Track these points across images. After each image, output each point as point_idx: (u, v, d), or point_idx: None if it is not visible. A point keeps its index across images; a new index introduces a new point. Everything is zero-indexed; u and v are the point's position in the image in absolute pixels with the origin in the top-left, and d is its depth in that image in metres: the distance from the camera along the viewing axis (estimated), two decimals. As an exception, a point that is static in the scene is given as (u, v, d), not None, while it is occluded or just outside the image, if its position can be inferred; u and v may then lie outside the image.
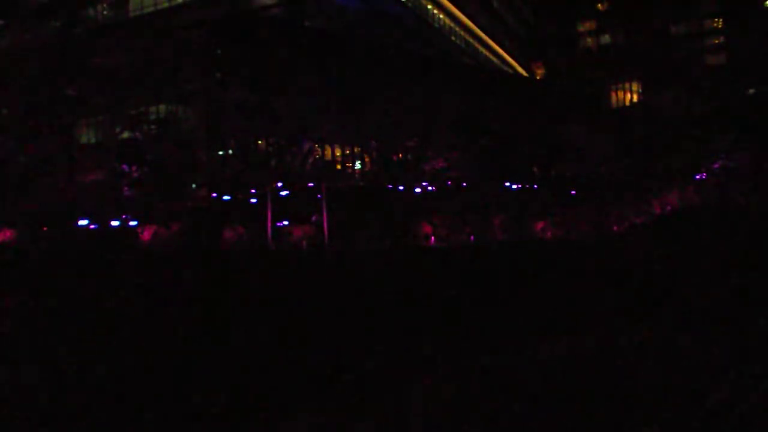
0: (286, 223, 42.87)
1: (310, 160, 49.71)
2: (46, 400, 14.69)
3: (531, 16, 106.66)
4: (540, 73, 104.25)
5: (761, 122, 54.55)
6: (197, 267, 31.28)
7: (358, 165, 57.93)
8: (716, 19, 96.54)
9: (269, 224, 40.51)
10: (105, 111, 47.68)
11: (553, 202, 48.89)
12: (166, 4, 60.13)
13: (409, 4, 70.18)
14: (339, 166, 56.78)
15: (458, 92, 54.02)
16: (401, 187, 48.12)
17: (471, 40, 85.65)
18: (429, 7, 75.42)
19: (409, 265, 33.77)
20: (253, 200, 43.96)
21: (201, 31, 50.25)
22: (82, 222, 39.81)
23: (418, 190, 48.93)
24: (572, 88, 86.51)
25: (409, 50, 62.44)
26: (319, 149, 52.74)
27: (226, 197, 44.11)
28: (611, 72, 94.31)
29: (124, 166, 45.32)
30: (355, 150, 57.32)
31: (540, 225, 47.85)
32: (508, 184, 52.86)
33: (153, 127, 47.56)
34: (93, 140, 51.58)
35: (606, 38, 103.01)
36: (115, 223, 40.59)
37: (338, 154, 57.48)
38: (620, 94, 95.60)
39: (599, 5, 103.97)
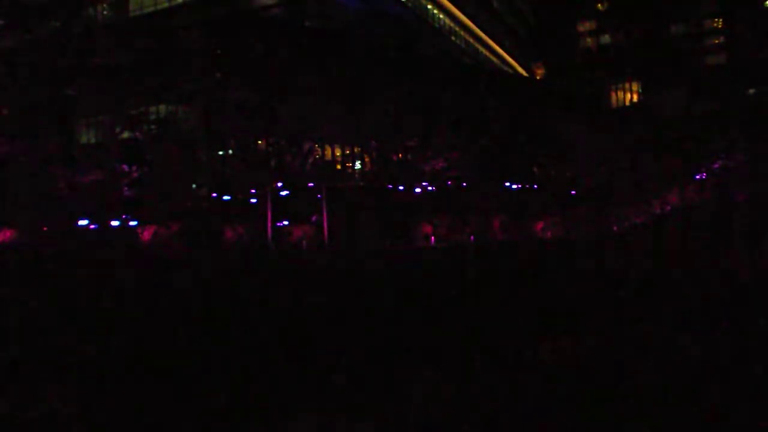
0: (286, 223, 42.89)
1: (310, 160, 49.69)
2: (46, 401, 14.68)
3: (531, 16, 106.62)
4: (540, 73, 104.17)
5: (761, 122, 54.58)
6: (197, 267, 31.28)
7: (358, 165, 57.87)
8: (716, 19, 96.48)
9: (269, 224, 40.52)
10: (105, 111, 47.65)
11: (553, 202, 48.92)
12: (166, 4, 60.17)
13: (409, 4, 70.12)
14: (339, 166, 56.71)
15: (458, 92, 54.00)
16: (401, 187, 48.12)
17: (471, 40, 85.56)
18: (429, 7, 75.36)
19: (409, 265, 33.78)
20: (253, 200, 43.97)
21: (201, 31, 50.27)
22: (82, 222, 39.82)
23: (418, 190, 48.92)
24: (572, 88, 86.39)
25: (408, 50, 62.34)
26: (319, 149, 52.72)
27: (226, 197, 44.13)
28: (611, 72, 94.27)
29: (124, 166, 45.32)
30: (355, 150, 57.26)
31: (540, 225, 47.89)
32: (508, 184, 52.89)
33: (153, 127, 47.57)
34: (93, 140, 51.54)
35: (606, 38, 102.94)
36: (115, 223, 40.60)
37: (338, 154, 57.42)
38: (620, 94, 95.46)
39: (599, 5, 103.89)
